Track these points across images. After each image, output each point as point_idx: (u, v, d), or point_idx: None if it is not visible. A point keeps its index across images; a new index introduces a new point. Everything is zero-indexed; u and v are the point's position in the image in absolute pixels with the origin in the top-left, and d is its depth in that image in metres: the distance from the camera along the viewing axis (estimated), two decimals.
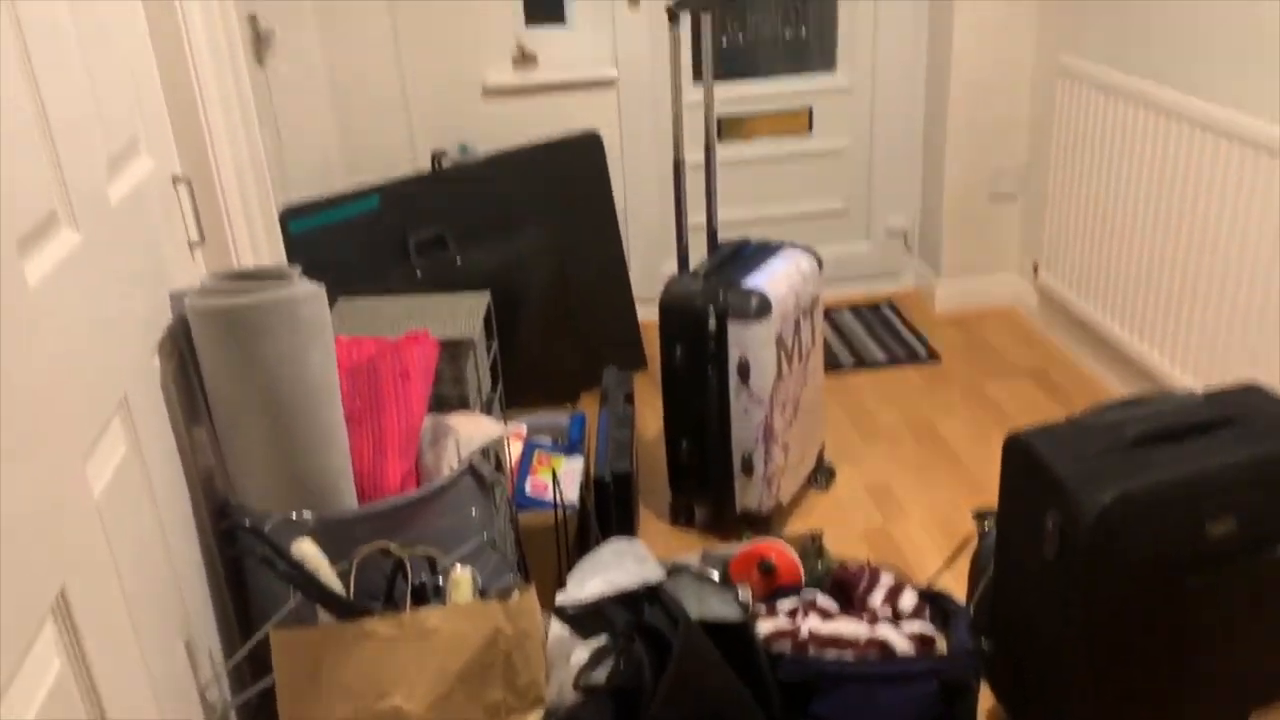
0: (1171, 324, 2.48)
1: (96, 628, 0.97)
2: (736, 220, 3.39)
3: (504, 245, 2.73)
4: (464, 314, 1.85)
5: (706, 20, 2.51)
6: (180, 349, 1.49)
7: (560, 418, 2.35)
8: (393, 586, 1.47)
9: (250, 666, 1.53)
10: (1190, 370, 2.42)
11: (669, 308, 2.22)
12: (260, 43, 2.72)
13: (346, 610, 1.41)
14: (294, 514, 1.46)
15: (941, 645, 1.68)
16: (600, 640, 1.51)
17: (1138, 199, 2.55)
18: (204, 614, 1.45)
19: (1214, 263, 2.30)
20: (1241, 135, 2.16)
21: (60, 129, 1.14)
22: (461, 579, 1.47)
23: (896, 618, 1.72)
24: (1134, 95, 2.52)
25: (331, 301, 1.94)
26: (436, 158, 2.84)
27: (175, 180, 1.56)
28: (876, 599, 1.74)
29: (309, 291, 1.44)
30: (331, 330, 1.49)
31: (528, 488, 2.07)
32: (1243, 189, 2.18)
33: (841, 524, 2.41)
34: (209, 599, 1.48)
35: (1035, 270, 3.15)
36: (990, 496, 2.45)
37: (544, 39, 3.10)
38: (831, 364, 3.08)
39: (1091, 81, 2.70)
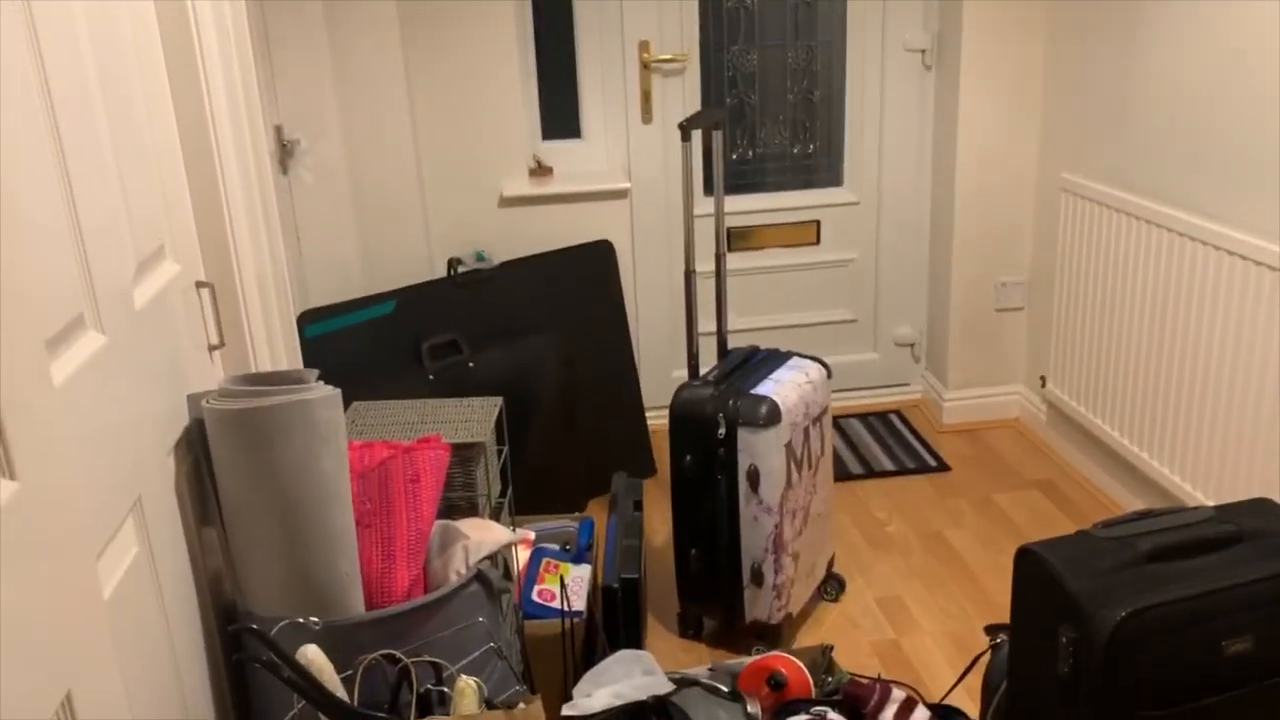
0: (1178, 438, 2.48)
1: None
2: (746, 329, 3.43)
3: (517, 350, 2.76)
4: (476, 418, 1.87)
5: (717, 136, 2.59)
6: (195, 451, 1.50)
7: (569, 524, 2.34)
8: (397, 695, 1.45)
9: None
10: (1199, 484, 2.41)
11: (679, 414, 2.24)
12: (285, 152, 2.80)
13: (350, 718, 1.39)
14: (301, 618, 1.45)
15: None
16: None
17: (1141, 313, 2.58)
18: (207, 717, 1.43)
19: (1218, 378, 2.31)
20: (1242, 252, 2.20)
21: (91, 232, 1.17)
22: (467, 688, 1.45)
23: None
24: (1135, 211, 2.57)
25: (345, 404, 1.97)
26: (453, 264, 2.89)
27: (198, 285, 1.60)
28: (888, 715, 1.71)
29: (325, 395, 1.46)
30: (345, 433, 1.50)
31: (535, 595, 2.05)
32: (1245, 305, 2.21)
33: (852, 636, 2.37)
34: (211, 703, 1.46)
35: (1043, 382, 3.17)
36: (1001, 608, 2.42)
37: (560, 151, 3.18)
38: (841, 473, 3.07)
39: (1093, 197, 2.76)
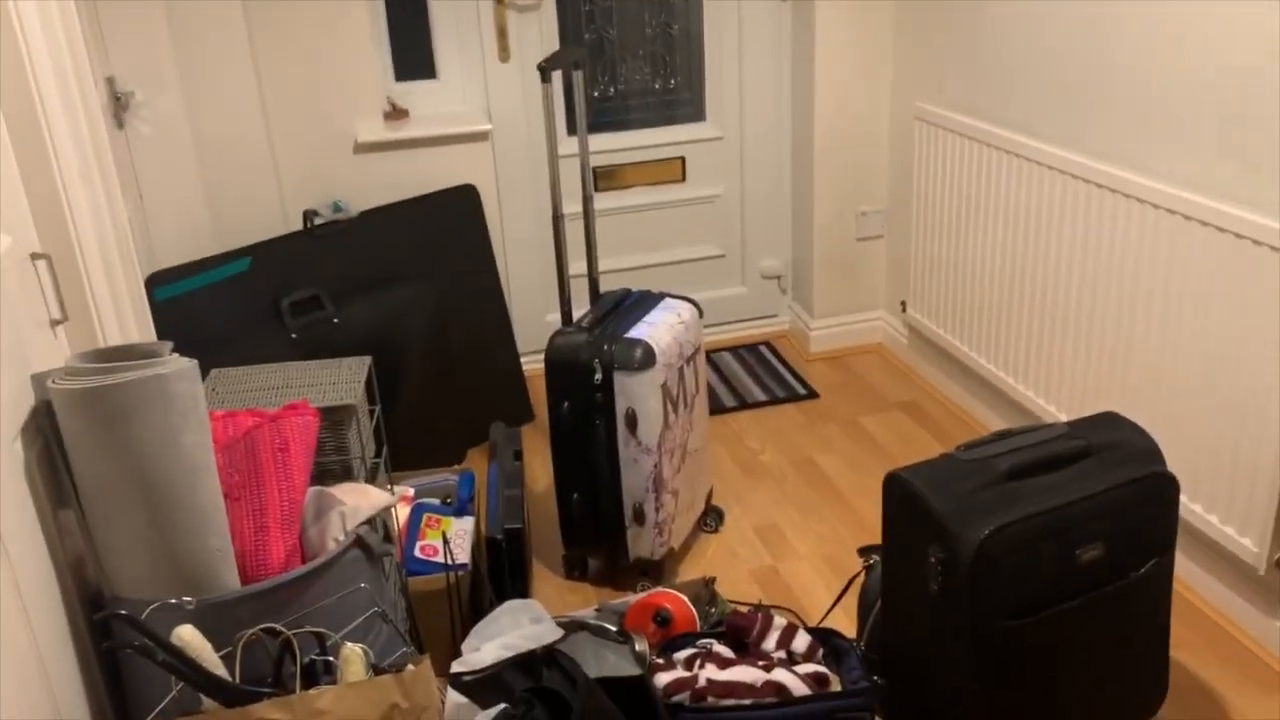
0: (1032, 357, 2.60)
1: None
2: (617, 269, 3.43)
3: (383, 303, 2.70)
4: (344, 380, 1.82)
5: (578, 76, 2.55)
6: (44, 433, 1.42)
7: (449, 478, 2.32)
8: (280, 668, 1.42)
9: None
10: (1054, 401, 2.54)
11: (554, 361, 2.23)
12: (119, 105, 2.64)
13: (232, 697, 1.36)
14: (172, 599, 1.40)
15: (836, 683, 1.72)
16: (499, 709, 1.49)
17: (995, 238, 2.69)
18: (79, 710, 1.38)
19: (1068, 298, 2.43)
20: (1087, 176, 2.30)
21: None
22: (352, 655, 1.43)
23: (791, 660, 1.75)
24: (985, 138, 2.65)
25: (204, 372, 1.89)
26: (309, 216, 2.79)
27: (33, 257, 1.50)
28: (770, 643, 1.77)
29: (181, 368, 1.39)
30: (205, 406, 1.44)
31: (417, 551, 2.04)
32: (1090, 227, 2.32)
33: (733, 566, 2.43)
34: (84, 694, 1.40)
35: (903, 307, 3.27)
36: (873, 530, 2.52)
37: (415, 93, 3.09)
38: (715, 406, 3.12)
39: (946, 125, 2.83)
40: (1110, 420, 1.81)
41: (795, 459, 2.87)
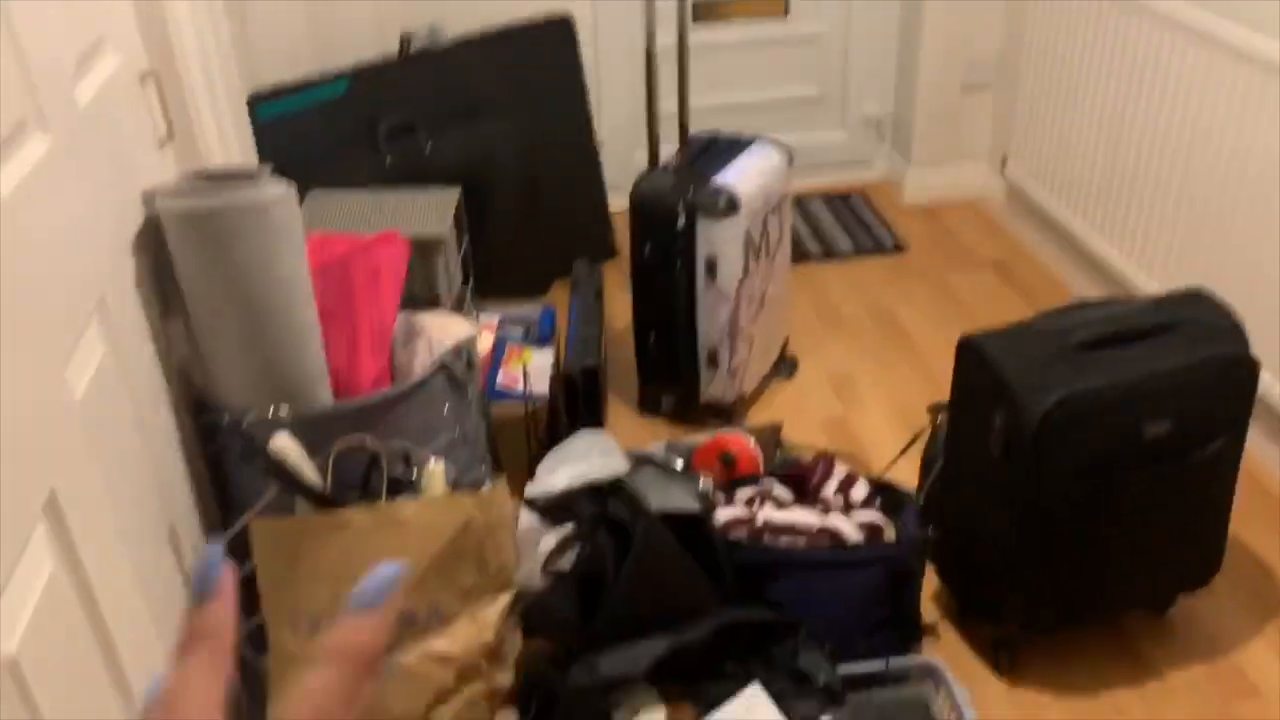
0: (1131, 223, 2.52)
1: (85, 526, 1.02)
2: (711, 106, 3.37)
3: (474, 133, 2.72)
4: (434, 210, 1.87)
5: None
6: (153, 247, 1.51)
7: (531, 310, 2.39)
8: (368, 480, 1.54)
9: (231, 554, 1.60)
10: (1148, 271, 2.48)
11: (639, 204, 2.25)
12: None
13: (324, 501, 1.48)
14: (271, 410, 1.51)
15: (890, 533, 1.78)
16: (567, 529, 1.59)
17: (1108, 97, 2.57)
18: (186, 506, 1.51)
19: (1175, 166, 2.33)
20: (1213, 38, 2.17)
21: (26, 31, 1.13)
22: (435, 472, 1.53)
23: (848, 507, 1.81)
24: None
25: (302, 193, 1.95)
26: (405, 40, 2.79)
27: (142, 76, 1.55)
28: (830, 489, 1.83)
29: (279, 194, 1.45)
30: (302, 231, 1.51)
31: (499, 380, 2.13)
32: (1206, 94, 2.20)
33: (802, 414, 2.49)
34: (190, 491, 1.54)
35: (1004, 163, 3.18)
36: (946, 387, 2.53)
37: None
38: (799, 254, 3.11)
39: None
40: (1197, 297, 1.77)
41: (876, 312, 2.87)
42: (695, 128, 2.56)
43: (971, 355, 1.71)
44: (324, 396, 1.56)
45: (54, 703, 0.88)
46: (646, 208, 2.23)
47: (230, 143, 1.88)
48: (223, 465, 1.62)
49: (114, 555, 1.11)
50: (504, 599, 1.57)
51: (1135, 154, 2.48)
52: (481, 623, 1.54)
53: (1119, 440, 1.62)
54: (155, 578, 1.28)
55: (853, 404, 2.51)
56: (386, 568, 0.42)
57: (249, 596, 1.54)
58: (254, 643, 1.56)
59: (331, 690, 0.40)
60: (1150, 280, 2.46)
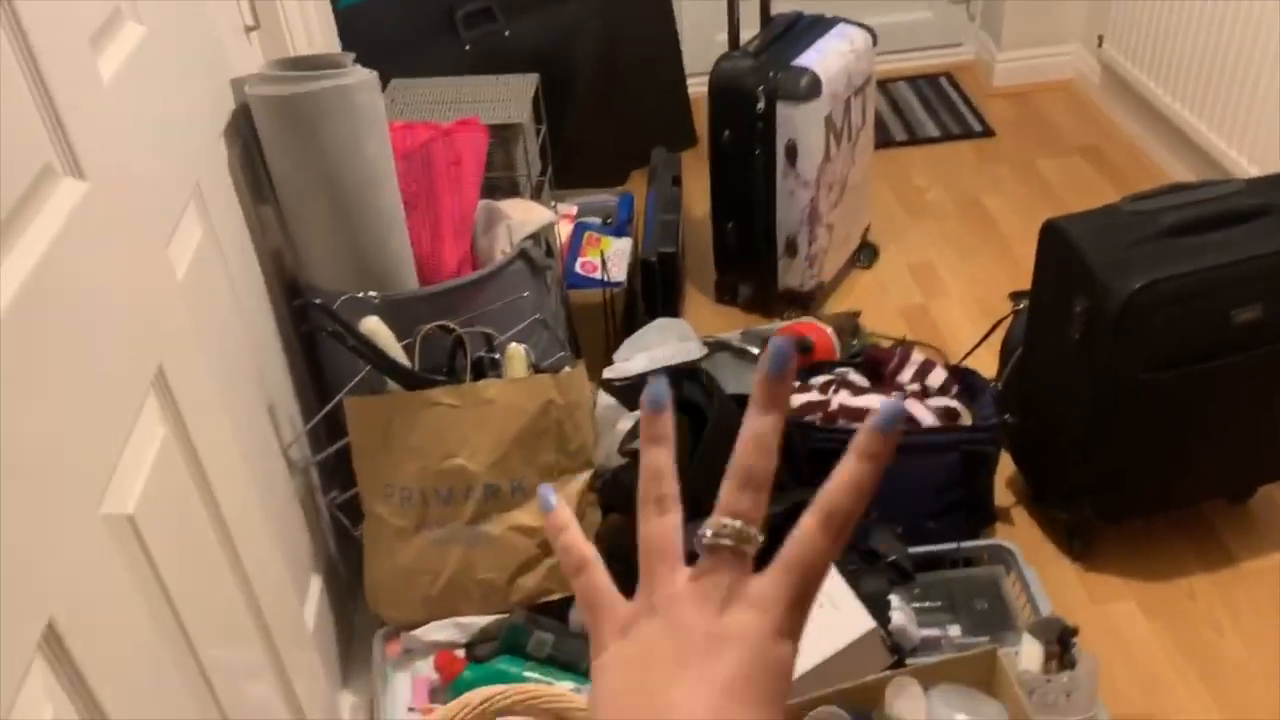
0: (1234, 107, 2.41)
1: (191, 400, 1.09)
2: None
3: (553, 17, 2.69)
4: (513, 97, 1.88)
5: None
6: (243, 134, 1.55)
7: (609, 198, 2.40)
8: (453, 361, 1.59)
9: (327, 430, 1.69)
10: (1248, 155, 2.38)
11: (718, 87, 2.22)
12: None
13: (412, 381, 1.54)
14: (360, 293, 1.56)
15: (966, 419, 1.79)
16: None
17: None
18: (283, 383, 1.59)
19: (1277, 45, 2.22)
20: None
21: None
22: (516, 354, 1.58)
23: (924, 393, 1.82)
24: None
25: (384, 81, 1.98)
26: None
27: None
28: (906, 376, 1.84)
29: (363, 79, 1.48)
30: (385, 117, 1.54)
31: (578, 267, 2.16)
32: None
33: (882, 302, 2.48)
34: (287, 369, 1.61)
35: (1099, 42, 3.04)
36: (1029, 276, 2.49)
37: None
38: (883, 139, 3.05)
39: None
40: None
41: (960, 199, 2.81)
42: (777, 9, 2.50)
43: (1055, 239, 1.68)
44: (410, 281, 1.61)
45: (167, 556, 0.96)
46: (725, 91, 2.20)
47: (314, 31, 1.91)
48: (316, 346, 1.70)
49: (218, 428, 1.18)
50: (583, 476, 1.63)
51: (1236, 32, 2.35)
52: (563, 498, 1.60)
53: (1205, 327, 1.59)
54: (255, 450, 1.36)
55: (933, 293, 2.49)
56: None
57: (346, 470, 1.62)
58: (349, 512, 1.65)
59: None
60: (1250, 165, 2.36)
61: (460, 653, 1.54)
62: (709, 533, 0.45)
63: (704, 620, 0.44)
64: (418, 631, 1.58)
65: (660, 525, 0.47)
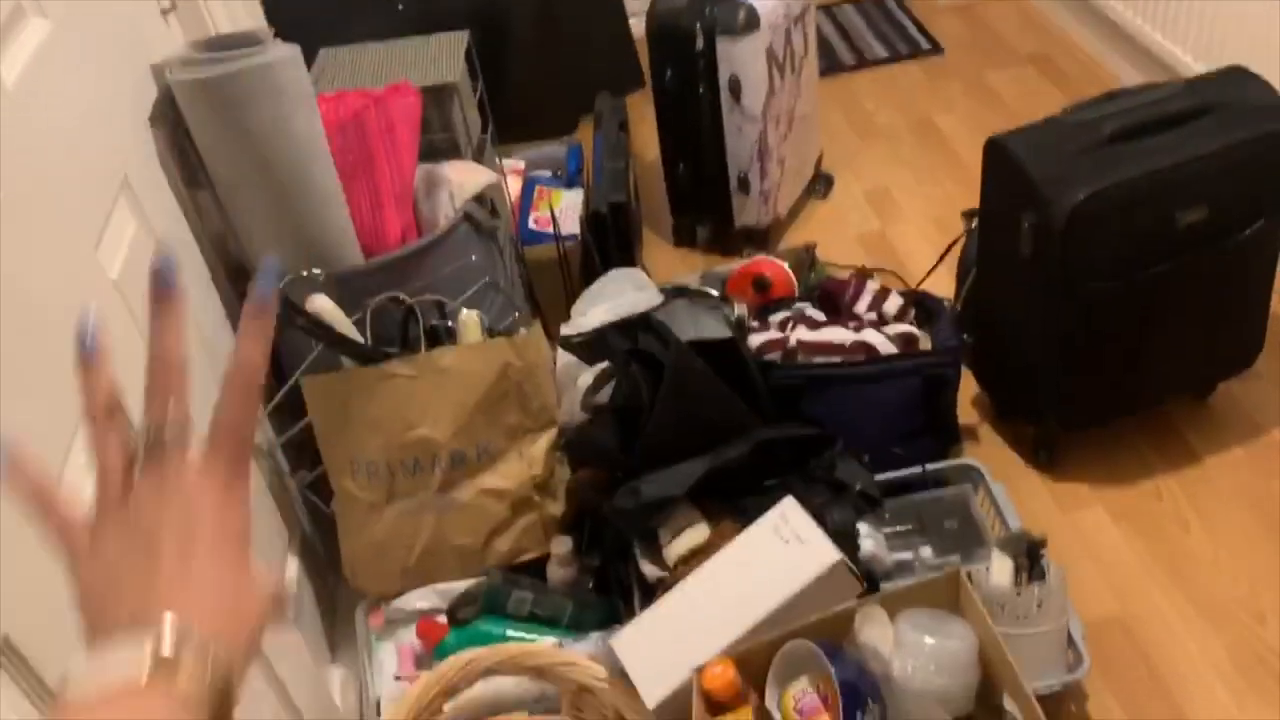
0: (1178, 4, 2.40)
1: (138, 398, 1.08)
2: None
3: None
4: (444, 56, 1.85)
5: None
6: (170, 120, 1.52)
7: (558, 150, 2.37)
8: (406, 332, 1.59)
9: (290, 409, 1.68)
10: (1193, 53, 2.37)
11: (656, 27, 2.19)
12: None
13: (366, 355, 1.54)
14: (305, 271, 1.55)
15: (926, 343, 1.80)
16: (602, 365, 1.64)
17: None
18: None
19: None
20: None
21: None
22: (469, 320, 1.58)
23: (882, 321, 1.83)
24: None
25: (312, 53, 1.94)
26: None
27: None
28: (863, 305, 1.84)
29: (283, 56, 1.45)
30: (313, 91, 1.52)
31: (531, 223, 2.14)
32: None
33: (840, 231, 2.47)
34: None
35: None
36: None
37: None
38: (831, 64, 3.02)
39: None
40: (1237, 75, 1.70)
41: (913, 120, 2.80)
42: None
43: (998, 155, 1.68)
44: (354, 255, 1.59)
45: None
46: (663, 31, 2.17)
47: (235, 6, 1.87)
48: None
49: None
50: (548, 435, 1.64)
51: None
52: (529, 458, 1.61)
53: (1151, 232, 1.59)
54: None
55: (890, 218, 2.49)
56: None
57: (312, 449, 1.62)
58: (319, 491, 1.65)
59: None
60: (1196, 63, 2.35)
61: (442, 618, 1.56)
62: (143, 442, 0.50)
63: (161, 505, 0.49)
64: (398, 601, 1.60)
65: (161, 410, 0.51)
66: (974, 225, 1.97)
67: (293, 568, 1.59)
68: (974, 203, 2.43)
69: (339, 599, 1.77)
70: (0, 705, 0.76)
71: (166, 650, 0.44)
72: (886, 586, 1.47)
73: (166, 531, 0.49)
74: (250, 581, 0.50)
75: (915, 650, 1.16)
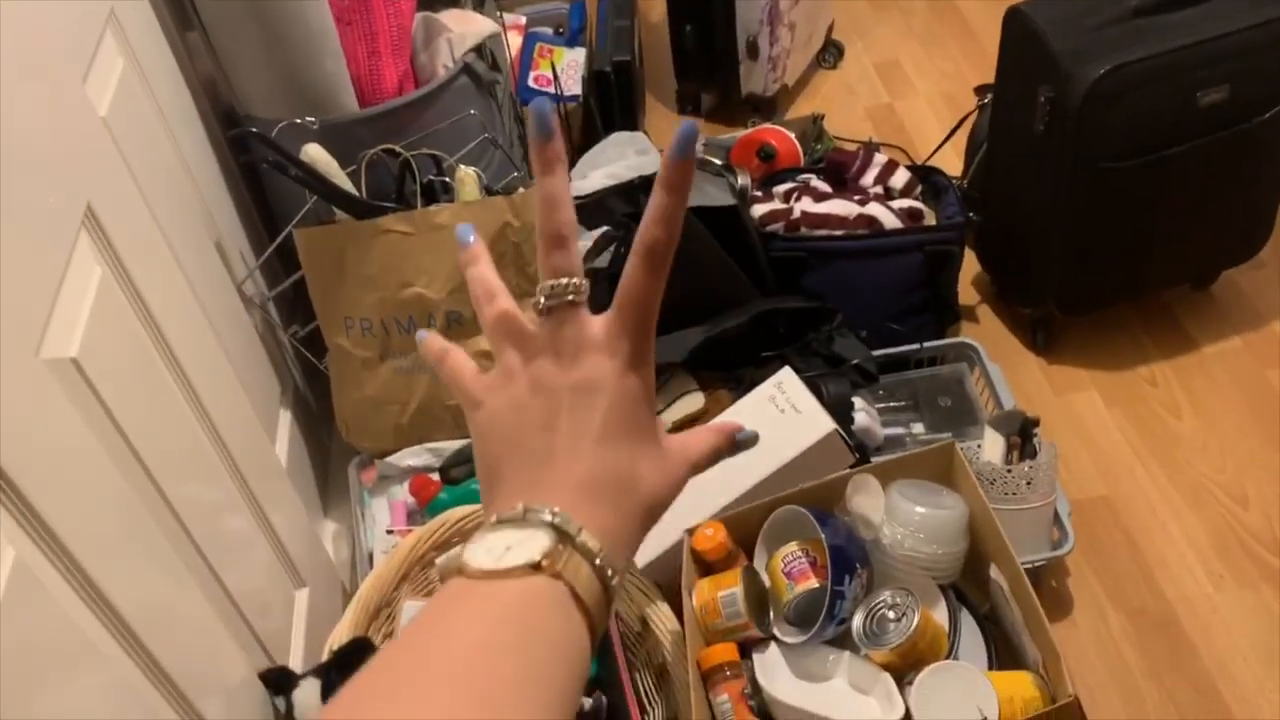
0: None
1: (127, 235, 1.06)
2: None
3: None
4: None
5: None
6: None
7: (560, 5, 2.29)
8: (402, 186, 1.55)
9: (281, 263, 1.66)
10: None
11: None
12: None
13: (361, 209, 1.50)
14: (298, 119, 1.50)
15: (930, 219, 1.77)
16: (601, 230, 1.61)
17: None
18: (229, 218, 1.55)
19: None
20: None
21: None
22: (466, 177, 1.54)
23: (888, 195, 1.80)
24: None
25: None
26: None
27: None
28: (869, 178, 1.81)
29: None
30: None
31: (531, 81, 2.08)
32: None
33: (848, 103, 2.41)
34: (231, 203, 1.57)
35: None
36: None
37: None
38: None
39: None
40: None
41: None
42: None
43: (1018, 26, 1.62)
44: (349, 104, 1.55)
45: (120, 398, 0.95)
46: None
47: None
48: (259, 178, 1.65)
49: (161, 265, 1.16)
50: None
51: None
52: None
53: (1170, 111, 1.55)
54: (207, 287, 1.34)
55: (900, 91, 2.43)
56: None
57: (305, 303, 1.61)
58: (312, 346, 1.64)
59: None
60: None
61: (435, 476, 1.57)
62: (541, 299, 0.49)
63: (562, 376, 0.48)
64: (392, 458, 1.60)
65: (564, 259, 0.49)
66: (986, 101, 1.93)
67: (285, 422, 1.59)
68: (986, 79, 2.37)
69: (332, 454, 1.77)
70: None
71: (553, 541, 0.44)
72: (878, 459, 1.48)
73: (566, 402, 0.48)
74: (656, 451, 0.49)
75: (905, 518, 1.18)
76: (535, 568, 0.43)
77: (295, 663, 1.25)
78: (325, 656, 1.18)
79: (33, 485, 0.78)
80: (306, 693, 1.12)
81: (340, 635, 1.21)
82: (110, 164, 1.10)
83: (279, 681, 1.14)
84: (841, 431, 1.29)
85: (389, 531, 1.54)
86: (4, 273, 0.81)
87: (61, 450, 0.85)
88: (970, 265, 1.91)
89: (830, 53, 2.51)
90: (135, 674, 0.89)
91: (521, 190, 1.56)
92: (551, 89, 2.00)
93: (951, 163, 2.03)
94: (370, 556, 1.52)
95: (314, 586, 1.38)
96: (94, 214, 1.01)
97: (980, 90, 1.98)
